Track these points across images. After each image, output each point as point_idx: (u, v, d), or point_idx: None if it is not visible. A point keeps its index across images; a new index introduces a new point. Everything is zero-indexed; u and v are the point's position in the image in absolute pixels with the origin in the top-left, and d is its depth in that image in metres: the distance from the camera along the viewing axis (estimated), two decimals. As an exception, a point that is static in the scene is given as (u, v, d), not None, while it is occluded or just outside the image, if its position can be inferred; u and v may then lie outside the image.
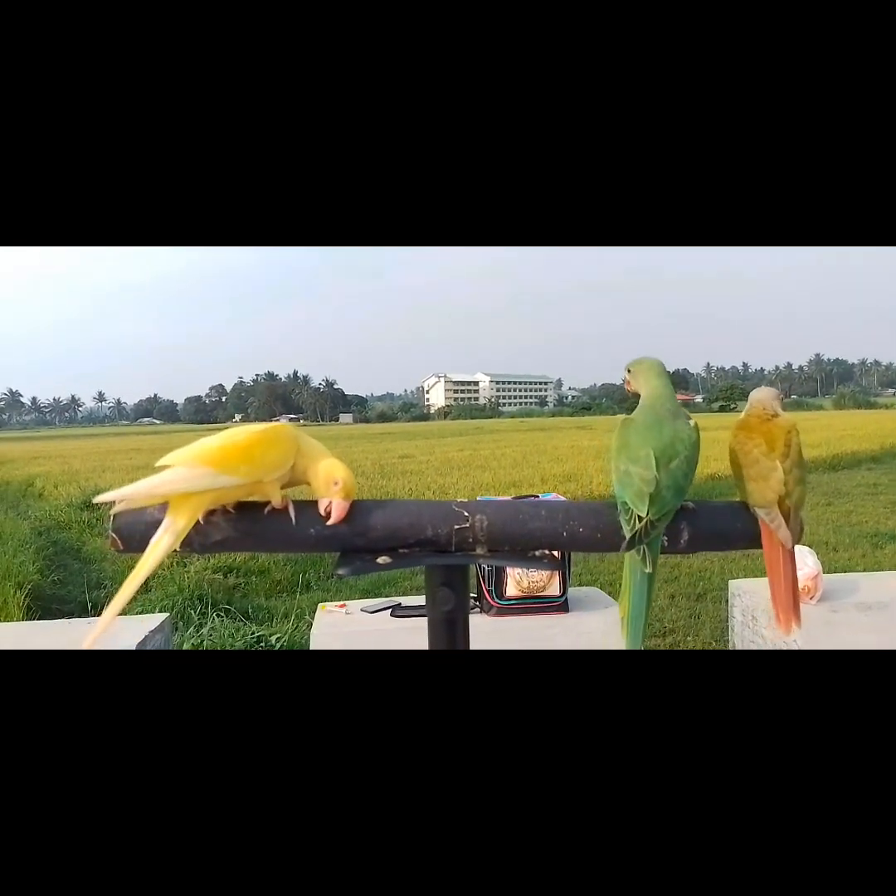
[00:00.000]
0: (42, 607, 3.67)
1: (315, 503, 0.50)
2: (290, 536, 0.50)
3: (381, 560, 0.49)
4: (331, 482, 0.50)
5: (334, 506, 0.49)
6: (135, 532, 0.48)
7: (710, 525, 0.52)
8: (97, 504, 0.46)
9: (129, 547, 0.48)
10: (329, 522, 0.49)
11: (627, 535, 0.49)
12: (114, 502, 0.48)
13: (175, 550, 0.49)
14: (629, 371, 0.58)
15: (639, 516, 0.49)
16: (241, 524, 0.50)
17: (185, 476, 0.47)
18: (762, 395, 0.58)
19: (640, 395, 0.57)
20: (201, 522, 0.49)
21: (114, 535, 0.49)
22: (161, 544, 0.47)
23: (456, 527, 0.49)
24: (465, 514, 0.49)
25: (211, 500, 0.48)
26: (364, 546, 0.49)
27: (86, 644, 0.46)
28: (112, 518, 0.49)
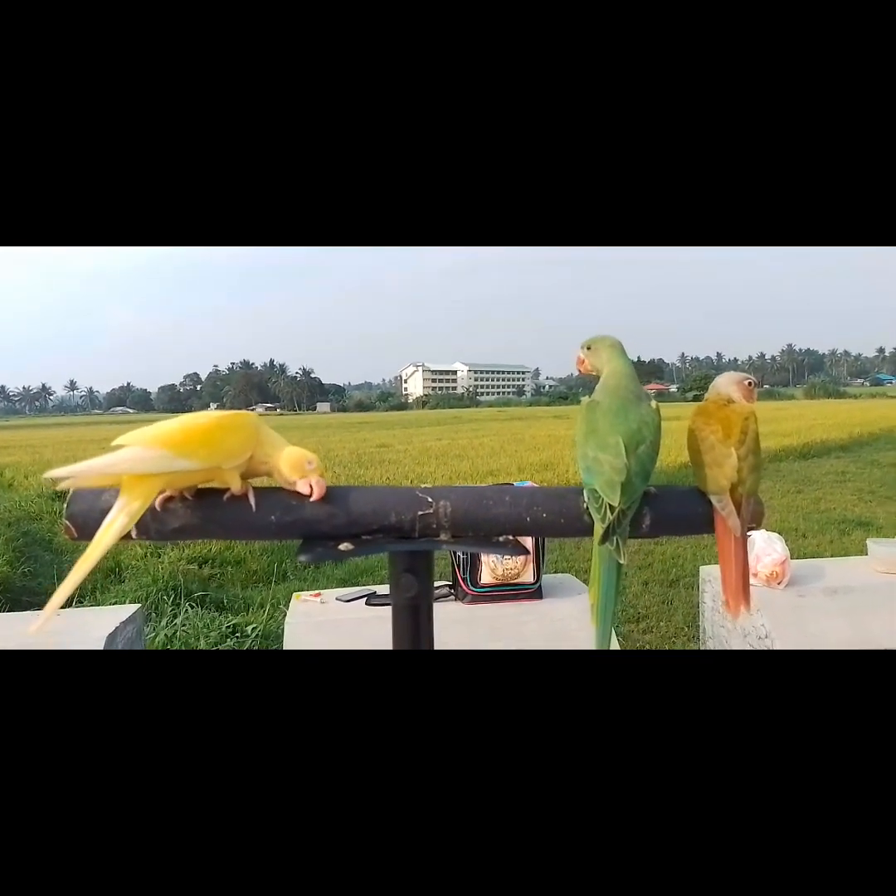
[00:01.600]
0: (11, 599, 3.60)
1: (277, 490, 0.50)
2: (251, 523, 0.49)
3: (344, 547, 0.48)
4: (304, 463, 0.49)
5: (315, 483, 0.49)
6: (89, 519, 0.47)
7: (671, 510, 0.52)
8: (50, 479, 0.45)
9: (83, 534, 0.47)
10: (313, 498, 0.49)
11: (600, 525, 0.49)
12: (66, 484, 0.47)
13: (131, 537, 0.47)
14: (589, 348, 0.57)
15: (610, 505, 0.49)
16: (200, 511, 0.49)
17: (142, 457, 0.46)
18: (720, 381, 0.58)
19: (595, 374, 0.56)
20: (158, 509, 0.48)
21: (67, 523, 0.48)
22: (115, 526, 0.46)
23: (419, 512, 0.49)
24: (429, 499, 0.49)
25: (166, 483, 0.47)
26: (327, 532, 0.49)
27: (32, 630, 0.45)
28: (66, 505, 0.48)
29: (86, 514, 0.47)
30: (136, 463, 0.46)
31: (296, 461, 0.50)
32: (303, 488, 0.49)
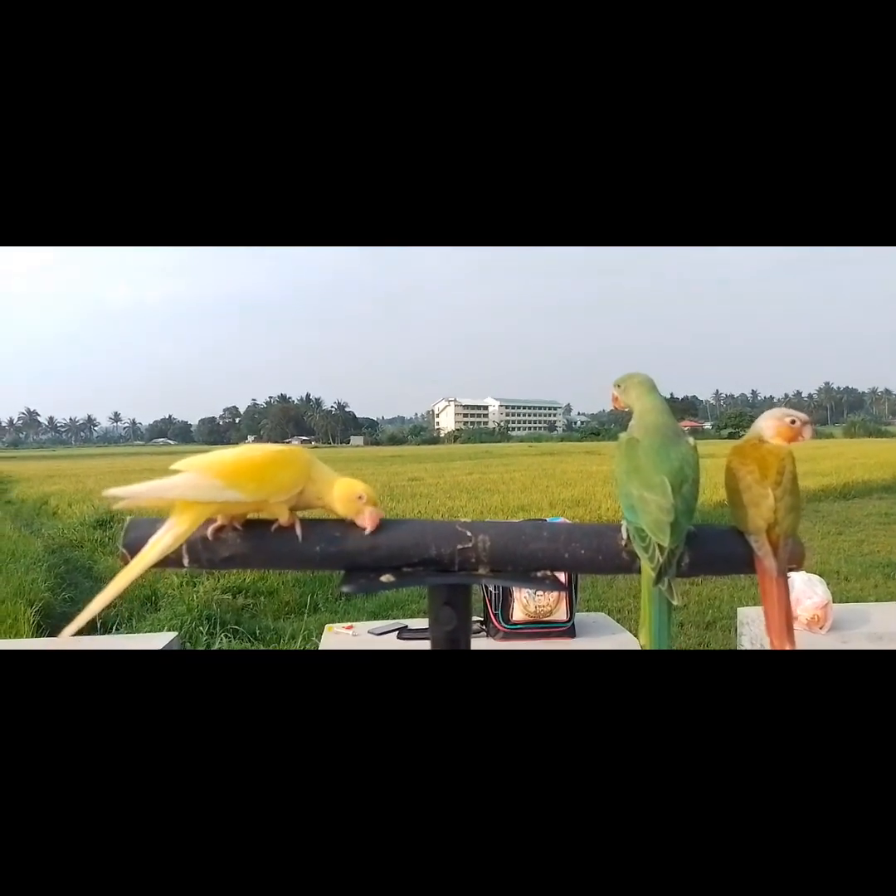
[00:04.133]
0: (52, 625, 3.68)
1: (321, 522, 0.52)
2: (297, 554, 0.51)
3: (385, 578, 0.50)
4: (355, 497, 0.51)
5: (369, 516, 0.51)
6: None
7: (710, 549, 0.53)
8: (109, 499, 0.48)
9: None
10: (369, 531, 0.51)
11: (648, 565, 0.49)
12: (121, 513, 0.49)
13: (184, 565, 0.50)
14: (619, 386, 0.58)
15: (659, 546, 0.49)
16: (248, 541, 0.51)
17: (194, 484, 0.49)
18: (758, 421, 0.57)
19: (629, 411, 0.57)
20: (210, 538, 0.50)
21: (124, 551, 0.50)
22: (159, 545, 0.48)
23: (459, 547, 0.50)
24: (468, 533, 0.50)
25: (215, 511, 0.49)
26: (368, 564, 0.50)
27: (64, 634, 0.47)
28: (123, 533, 0.50)
29: (141, 542, 0.49)
30: (188, 489, 0.49)
31: (347, 498, 0.51)
32: (362, 523, 0.51)
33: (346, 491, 0.52)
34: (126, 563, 0.49)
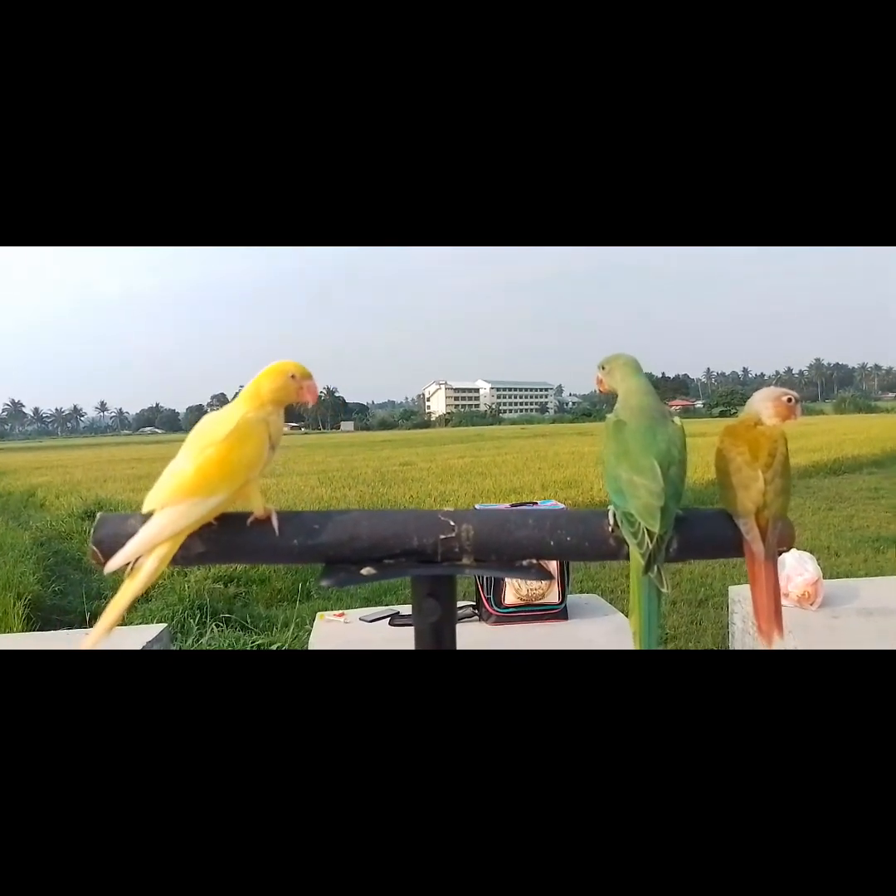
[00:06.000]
0: (42, 617, 3.67)
1: (299, 514, 0.50)
2: (274, 548, 0.49)
3: (366, 571, 0.48)
4: (287, 377, 0.51)
5: (308, 390, 0.52)
6: (116, 545, 0.47)
7: (698, 533, 0.51)
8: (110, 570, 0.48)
9: (111, 560, 0.47)
10: (311, 404, 0.52)
11: (637, 551, 0.48)
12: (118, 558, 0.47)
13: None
14: (603, 368, 0.56)
15: (648, 531, 0.48)
16: (224, 536, 0.49)
17: (178, 516, 0.46)
18: (755, 398, 0.56)
19: (614, 393, 0.56)
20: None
21: (94, 548, 0.48)
22: (147, 569, 0.46)
23: (441, 536, 0.48)
24: (451, 523, 0.49)
25: (200, 522, 0.48)
26: (349, 557, 0.49)
27: (86, 643, 0.45)
28: (93, 531, 0.48)
29: (112, 539, 0.47)
30: (177, 524, 0.46)
31: (279, 385, 0.51)
32: (303, 399, 0.52)
33: (275, 379, 0.52)
34: (97, 560, 0.47)
